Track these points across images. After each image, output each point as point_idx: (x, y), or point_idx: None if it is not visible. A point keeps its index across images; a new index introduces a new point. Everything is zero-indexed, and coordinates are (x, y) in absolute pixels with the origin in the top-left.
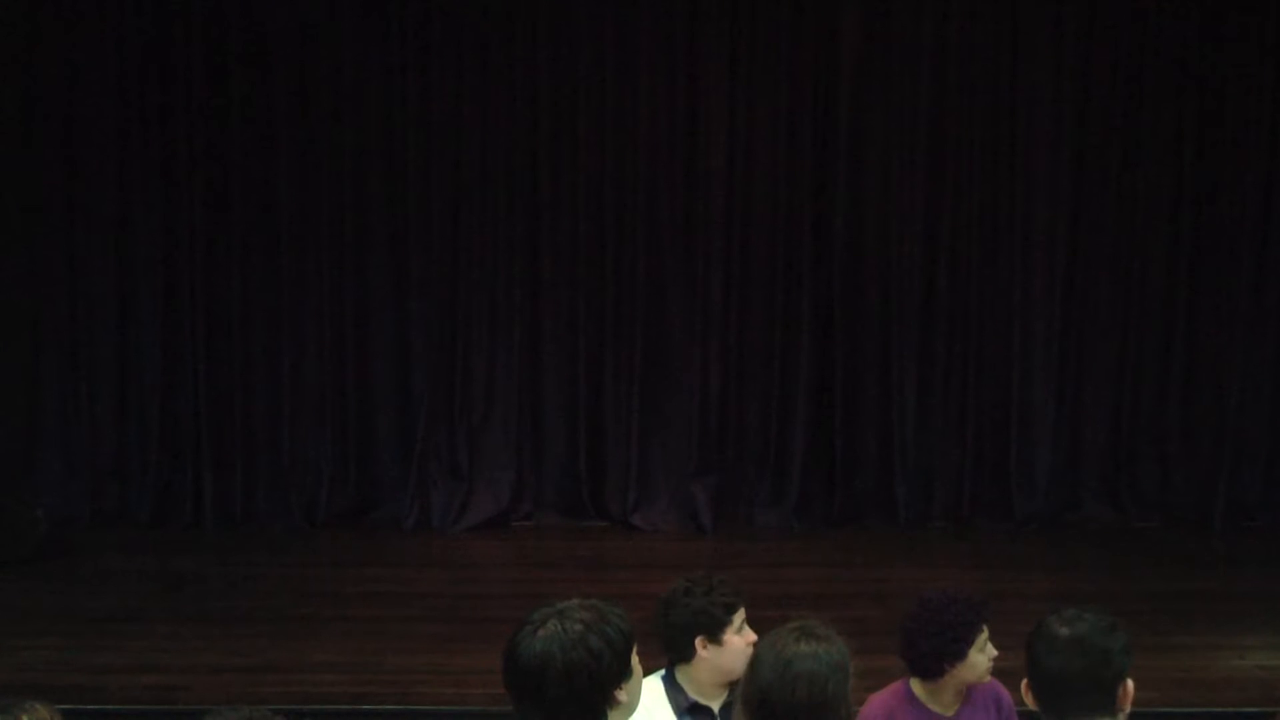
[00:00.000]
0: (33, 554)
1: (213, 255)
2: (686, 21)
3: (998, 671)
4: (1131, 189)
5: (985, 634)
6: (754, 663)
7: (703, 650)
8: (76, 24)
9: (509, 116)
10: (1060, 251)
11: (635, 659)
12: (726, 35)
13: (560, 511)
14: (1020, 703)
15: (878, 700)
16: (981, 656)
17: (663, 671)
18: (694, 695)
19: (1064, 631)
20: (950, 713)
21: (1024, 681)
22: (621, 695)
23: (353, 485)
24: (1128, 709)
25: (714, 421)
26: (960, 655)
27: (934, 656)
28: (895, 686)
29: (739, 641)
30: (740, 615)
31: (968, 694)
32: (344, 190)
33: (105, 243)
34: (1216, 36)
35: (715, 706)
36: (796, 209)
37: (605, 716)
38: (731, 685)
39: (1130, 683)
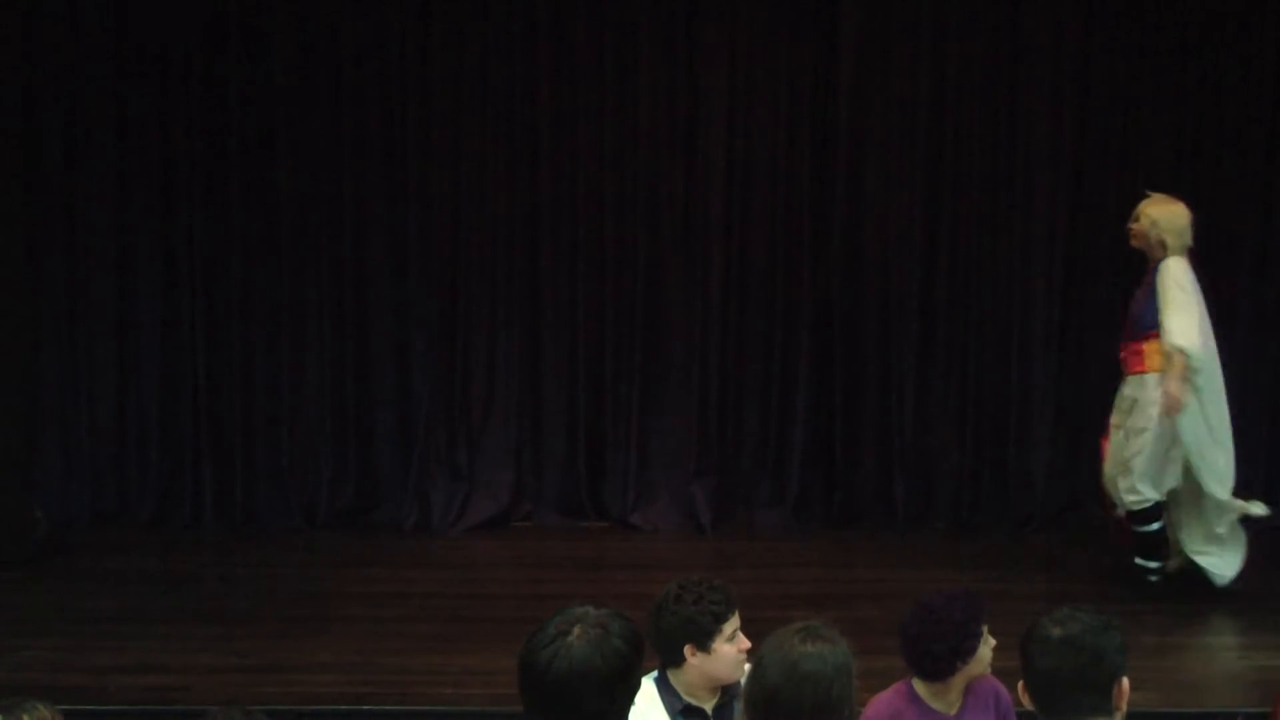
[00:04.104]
0: (33, 554)
1: (212, 255)
2: (686, 21)
3: (998, 672)
4: (1131, 189)
5: (985, 625)
6: (759, 664)
7: (691, 658)
8: (76, 24)
9: (509, 117)
10: (1060, 251)
11: None
12: (726, 35)
13: (560, 511)
14: (1018, 703)
15: (881, 701)
16: (986, 649)
17: (654, 673)
18: (687, 697)
19: (1056, 632)
20: (953, 711)
21: (1020, 683)
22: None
23: (352, 485)
24: (1124, 708)
25: (713, 421)
26: (972, 651)
27: (947, 657)
28: (898, 687)
29: (730, 650)
30: (732, 623)
31: (969, 692)
32: (344, 190)
33: (105, 242)
34: (1216, 36)
35: (708, 708)
36: (796, 209)
37: None
38: (725, 688)
39: (1126, 681)
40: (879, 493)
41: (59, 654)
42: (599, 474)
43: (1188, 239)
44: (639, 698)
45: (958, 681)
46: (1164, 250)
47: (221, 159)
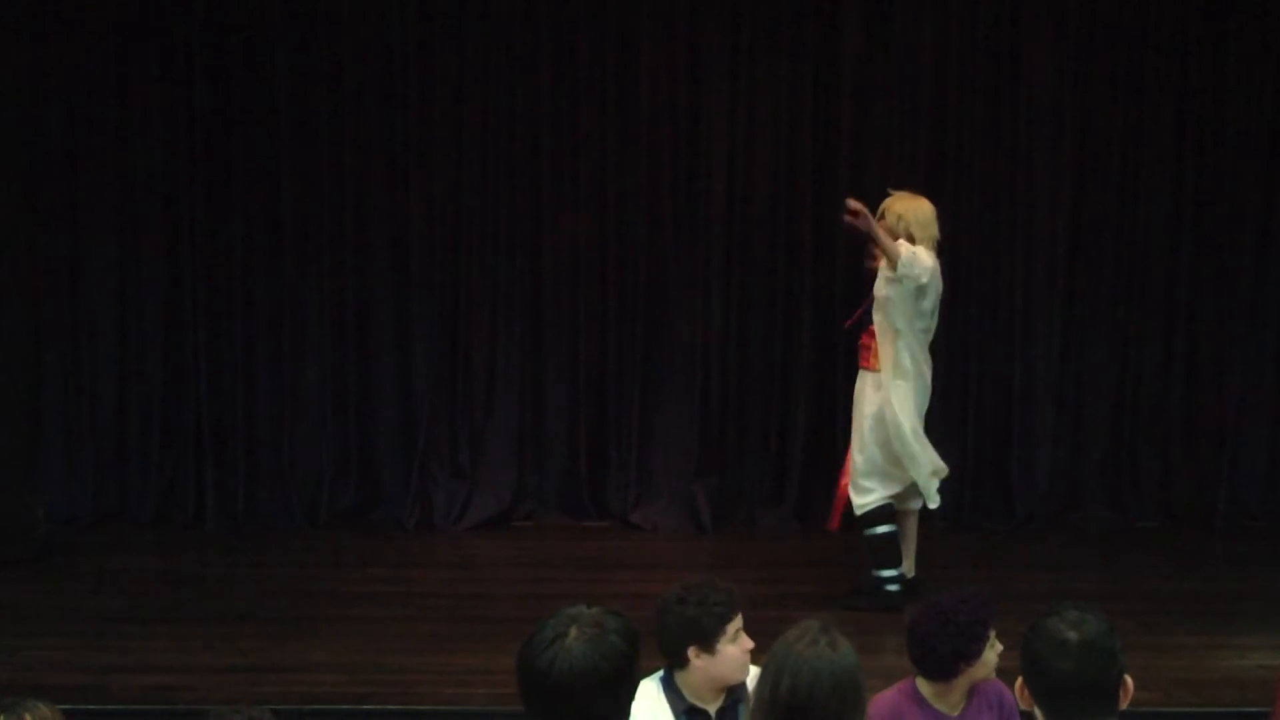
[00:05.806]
0: (34, 553)
1: (214, 255)
2: (686, 21)
3: (999, 672)
4: (1132, 189)
5: (993, 630)
6: (776, 671)
7: (695, 659)
8: (77, 23)
9: (510, 117)
10: (1060, 251)
11: None
12: (727, 35)
13: (561, 511)
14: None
15: (884, 699)
16: (992, 653)
17: (660, 673)
18: (691, 699)
19: (1074, 635)
20: (956, 712)
21: (1019, 682)
22: None
23: (354, 485)
24: (1125, 707)
25: (715, 421)
26: (977, 654)
27: (951, 659)
28: (902, 686)
29: (734, 650)
30: (735, 624)
31: (972, 693)
32: (345, 190)
33: (106, 242)
34: (1216, 36)
35: (713, 710)
36: (797, 209)
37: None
38: (729, 689)
39: (1130, 681)
40: None
41: (60, 653)
42: (600, 473)
43: (934, 231)
44: (644, 699)
45: (961, 683)
46: (913, 243)
47: (223, 159)
